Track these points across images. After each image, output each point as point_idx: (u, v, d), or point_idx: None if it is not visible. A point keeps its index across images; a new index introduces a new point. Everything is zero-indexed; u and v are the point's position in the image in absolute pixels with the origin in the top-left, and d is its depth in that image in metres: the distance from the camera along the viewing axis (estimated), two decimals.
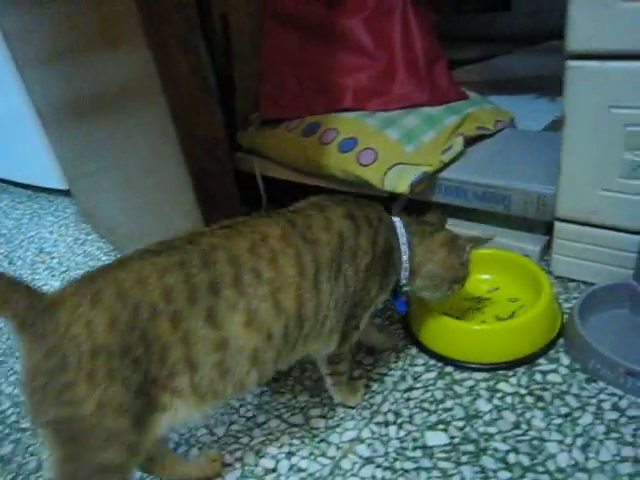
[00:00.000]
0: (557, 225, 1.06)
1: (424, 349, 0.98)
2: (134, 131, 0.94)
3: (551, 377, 0.91)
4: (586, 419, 0.84)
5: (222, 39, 1.40)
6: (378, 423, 0.88)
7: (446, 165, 1.20)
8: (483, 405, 0.88)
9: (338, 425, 0.88)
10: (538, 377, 0.91)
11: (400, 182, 1.13)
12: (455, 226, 1.21)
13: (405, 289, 0.89)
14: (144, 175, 1.01)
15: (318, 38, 1.37)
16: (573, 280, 1.10)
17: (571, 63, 0.89)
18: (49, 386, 0.61)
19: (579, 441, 0.81)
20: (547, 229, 1.13)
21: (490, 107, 1.35)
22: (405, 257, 0.83)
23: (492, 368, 0.93)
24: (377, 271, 0.79)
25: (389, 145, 1.20)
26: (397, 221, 0.84)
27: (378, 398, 0.92)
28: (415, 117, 1.27)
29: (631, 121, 0.88)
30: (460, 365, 0.95)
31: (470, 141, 1.28)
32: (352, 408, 0.90)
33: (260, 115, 1.41)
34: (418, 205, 1.28)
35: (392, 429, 0.87)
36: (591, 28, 0.85)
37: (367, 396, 0.93)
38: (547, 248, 1.13)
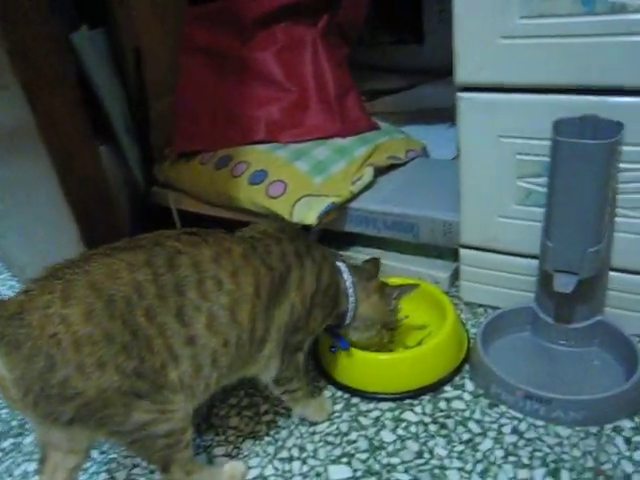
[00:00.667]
0: (462, 252, 1.07)
1: (332, 381, 0.98)
2: (19, 172, 0.92)
3: (455, 404, 0.92)
4: (486, 444, 0.84)
5: (135, 73, 1.39)
6: (282, 459, 0.87)
7: (356, 195, 1.21)
8: (387, 436, 0.88)
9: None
10: (442, 404, 0.92)
11: (308, 214, 1.14)
12: (368, 255, 1.23)
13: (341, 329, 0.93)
14: (33, 214, 0.99)
15: (232, 72, 1.37)
16: (481, 305, 1.12)
17: (461, 95, 0.92)
18: (46, 389, 0.61)
19: (479, 467, 0.81)
20: (456, 256, 1.15)
21: (401, 137, 1.37)
22: (352, 298, 0.88)
23: (397, 398, 0.93)
24: (321, 303, 0.83)
25: (298, 177, 1.20)
26: (342, 265, 0.89)
27: (284, 433, 0.91)
28: (326, 148, 1.28)
29: (520, 150, 0.91)
30: (366, 396, 0.94)
31: (381, 171, 1.30)
32: (315, 425, 0.91)
33: (174, 149, 1.40)
34: (334, 235, 1.29)
35: (296, 465, 0.85)
36: (475, 62, 0.87)
37: (272, 431, 0.91)
38: (457, 274, 1.14)
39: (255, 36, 1.34)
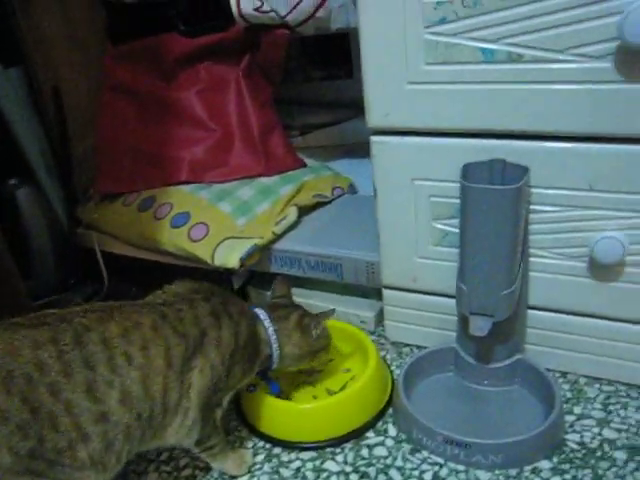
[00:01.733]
0: (385, 292, 1.07)
1: (253, 430, 0.95)
2: None
3: (377, 451, 0.90)
4: None
5: (54, 112, 1.35)
6: None
7: (280, 236, 1.20)
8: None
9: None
10: (364, 452, 0.90)
11: (230, 257, 1.12)
12: (296, 295, 1.21)
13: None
14: None
15: (155, 111, 1.35)
16: (407, 345, 1.12)
17: (374, 138, 0.92)
18: None
19: None
20: (381, 295, 1.15)
21: (328, 174, 1.37)
22: (275, 345, 0.87)
23: (319, 446, 0.91)
24: (241, 359, 0.82)
25: (221, 219, 1.18)
26: (261, 313, 0.88)
27: None
28: (250, 188, 1.26)
29: (433, 192, 0.91)
30: (287, 445, 0.92)
31: (307, 210, 1.29)
32: (234, 478, 0.88)
33: (95, 190, 1.37)
34: (261, 276, 1.27)
35: None
36: (385, 106, 0.87)
37: None
38: (382, 314, 1.13)
39: (178, 76, 1.33)
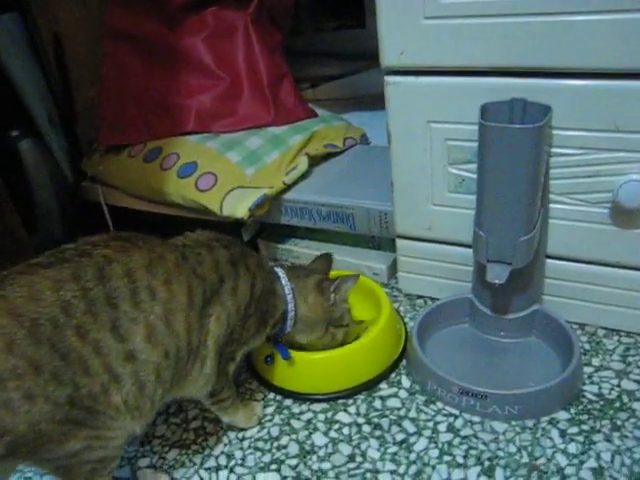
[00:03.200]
0: (398, 242, 1.04)
1: (263, 382, 0.94)
2: None
3: (390, 402, 0.88)
4: (421, 444, 0.81)
5: (55, 60, 1.31)
6: (208, 469, 0.82)
7: (290, 186, 1.17)
8: (319, 439, 0.84)
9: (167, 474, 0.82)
10: (377, 403, 0.88)
11: (239, 207, 1.09)
12: (306, 247, 1.19)
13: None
14: None
15: (159, 59, 1.31)
16: (421, 297, 1.09)
17: (388, 79, 0.87)
18: None
19: (412, 469, 0.78)
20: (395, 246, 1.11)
21: (340, 124, 1.33)
22: (291, 306, 0.84)
23: (331, 398, 0.89)
24: (255, 313, 0.79)
25: (229, 168, 1.15)
26: (279, 271, 0.86)
27: (211, 440, 0.86)
28: (259, 138, 1.23)
29: (450, 135, 0.87)
30: (298, 397, 0.90)
31: (318, 160, 1.25)
32: (244, 430, 0.87)
33: (99, 142, 1.33)
34: (271, 229, 1.24)
35: (222, 474, 0.81)
36: (400, 44, 0.83)
37: (200, 439, 0.87)
38: (396, 265, 1.11)
39: (183, 21, 1.28)
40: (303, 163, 1.18)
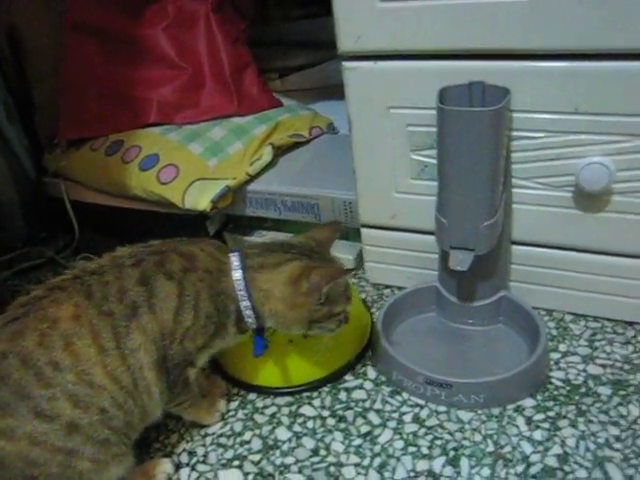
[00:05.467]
0: (363, 231, 1.02)
1: (227, 377, 0.91)
2: None
3: (356, 394, 0.87)
4: (386, 436, 0.80)
5: (12, 53, 1.28)
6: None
7: (255, 177, 1.15)
8: (283, 433, 0.82)
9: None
10: (343, 396, 0.87)
11: (200, 199, 1.06)
12: (273, 239, 1.16)
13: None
14: None
15: (121, 50, 1.27)
16: (388, 286, 1.07)
17: (345, 64, 0.86)
18: None
19: (376, 461, 0.77)
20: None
21: (306, 113, 1.31)
22: (245, 303, 0.73)
23: (295, 391, 0.88)
24: (198, 318, 0.72)
25: (191, 160, 1.13)
26: (235, 262, 0.73)
27: (174, 437, 0.84)
28: (222, 129, 1.20)
29: (411, 121, 0.86)
30: (263, 391, 0.88)
31: (283, 150, 1.23)
32: (207, 426, 0.84)
33: (60, 136, 1.30)
34: (237, 221, 1.22)
35: (184, 472, 0.79)
36: (357, 29, 0.81)
37: (162, 437, 0.84)
38: (362, 255, 1.09)
39: (143, 11, 1.25)
40: (267, 153, 1.16)
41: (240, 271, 0.73)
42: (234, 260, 0.74)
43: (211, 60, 1.25)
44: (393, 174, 0.91)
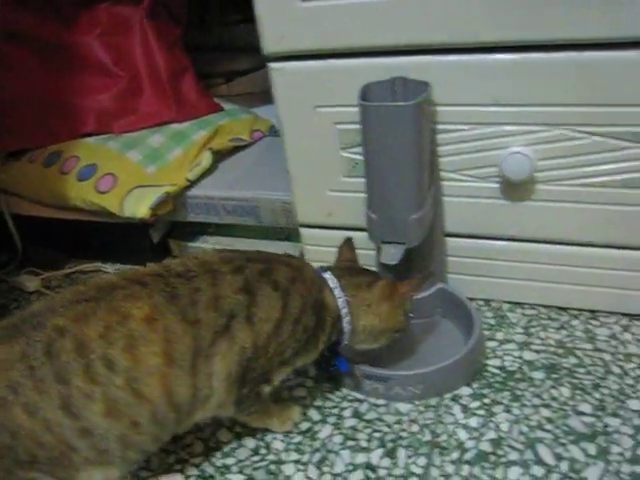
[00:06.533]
0: (302, 231, 1.03)
1: None
2: None
3: (297, 392, 0.88)
4: (325, 432, 0.80)
5: None
6: None
7: (195, 182, 1.14)
8: (224, 435, 0.82)
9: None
10: (284, 394, 0.87)
11: (139, 206, 1.06)
12: (217, 244, 1.17)
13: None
14: None
15: (56, 59, 1.26)
16: None
17: (271, 65, 0.86)
18: None
19: (316, 456, 0.77)
20: None
21: (246, 117, 1.31)
22: (347, 319, 0.76)
23: None
24: (294, 332, 0.71)
25: (130, 168, 1.12)
26: (330, 279, 0.76)
27: None
28: (161, 135, 1.20)
29: (339, 119, 0.87)
30: None
31: (225, 154, 1.23)
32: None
33: None
34: (182, 228, 1.22)
35: None
36: (280, 29, 0.82)
37: None
38: (304, 255, 1.10)
39: (77, 18, 1.24)
40: (207, 158, 1.16)
41: (340, 289, 0.75)
42: (330, 278, 0.76)
43: (148, 66, 1.25)
44: (326, 173, 0.92)
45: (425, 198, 0.81)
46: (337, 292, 0.75)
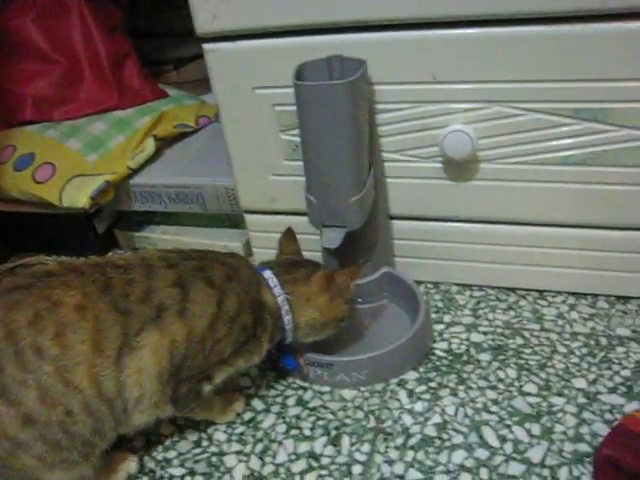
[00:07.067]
0: (247, 218, 1.01)
1: None
2: None
3: (241, 382, 0.85)
4: (269, 421, 0.79)
5: None
6: None
7: (138, 170, 1.11)
8: (166, 428, 0.80)
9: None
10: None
11: (79, 196, 1.03)
12: (163, 233, 1.14)
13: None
14: None
15: None
16: None
17: (206, 46, 0.83)
18: None
19: (258, 447, 0.75)
20: None
21: (192, 103, 1.28)
22: (288, 317, 0.74)
23: None
24: (231, 331, 0.69)
25: (69, 157, 1.09)
26: (270, 278, 0.75)
27: None
28: (103, 123, 1.16)
29: (277, 101, 0.84)
30: None
31: (169, 140, 1.20)
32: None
33: None
34: (128, 218, 1.18)
35: None
36: (211, 9, 0.79)
37: None
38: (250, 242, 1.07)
39: (9, 1, 1.19)
40: (149, 146, 1.13)
41: (279, 286, 0.74)
42: (269, 276, 0.75)
43: (87, 52, 1.21)
44: (266, 157, 0.90)
45: (365, 180, 0.79)
46: (276, 290, 0.74)
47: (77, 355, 0.60)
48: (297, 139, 0.85)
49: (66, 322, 0.61)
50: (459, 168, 0.83)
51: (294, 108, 0.80)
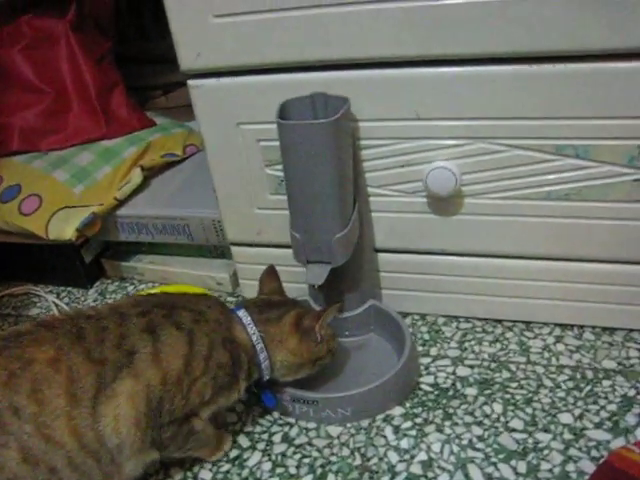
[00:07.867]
0: (233, 250, 1.00)
1: None
2: None
3: (227, 417, 0.84)
4: (254, 459, 0.78)
5: None
6: None
7: (124, 201, 1.11)
8: (151, 467, 0.78)
9: None
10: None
11: (65, 228, 1.03)
12: (151, 263, 1.13)
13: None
14: None
15: None
16: None
17: (190, 82, 0.84)
18: None
19: None
20: None
21: (179, 131, 1.28)
22: (262, 356, 0.74)
23: None
24: (206, 371, 0.69)
25: (56, 188, 1.09)
26: (244, 318, 0.75)
27: None
28: (90, 153, 1.16)
29: (261, 136, 0.85)
30: None
31: (156, 170, 1.20)
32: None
33: None
34: (116, 247, 1.18)
35: None
36: (195, 46, 0.80)
37: None
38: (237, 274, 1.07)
39: None
40: (137, 176, 1.13)
41: (253, 324, 0.74)
42: (243, 315, 0.75)
43: (75, 82, 1.21)
44: (252, 191, 0.90)
45: (349, 216, 0.79)
46: (250, 328, 0.74)
47: (54, 409, 0.60)
48: (282, 173, 0.86)
49: (40, 377, 0.61)
50: (444, 203, 0.83)
51: (279, 143, 0.80)
